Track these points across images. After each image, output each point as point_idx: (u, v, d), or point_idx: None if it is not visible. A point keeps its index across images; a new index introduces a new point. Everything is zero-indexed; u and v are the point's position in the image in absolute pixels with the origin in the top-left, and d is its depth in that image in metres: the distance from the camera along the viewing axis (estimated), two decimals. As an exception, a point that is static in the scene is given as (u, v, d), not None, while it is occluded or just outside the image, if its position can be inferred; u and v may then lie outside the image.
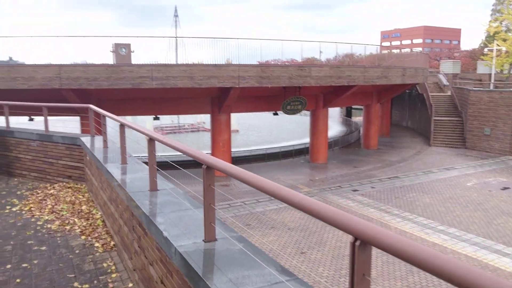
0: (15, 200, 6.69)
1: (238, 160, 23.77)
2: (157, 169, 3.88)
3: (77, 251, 4.77)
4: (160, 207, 3.37)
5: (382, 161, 23.74)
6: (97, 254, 4.70)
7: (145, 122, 34.49)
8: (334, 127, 35.99)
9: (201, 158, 2.69)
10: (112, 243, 4.90)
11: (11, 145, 8.07)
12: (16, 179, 8.03)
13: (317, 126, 24.04)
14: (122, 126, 4.80)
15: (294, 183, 19.52)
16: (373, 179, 19.45)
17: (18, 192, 7.13)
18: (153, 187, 3.85)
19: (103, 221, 5.49)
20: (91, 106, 6.93)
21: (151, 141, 3.72)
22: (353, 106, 39.02)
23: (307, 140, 25.93)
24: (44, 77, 17.54)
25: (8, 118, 8.41)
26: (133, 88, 18.06)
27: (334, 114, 39.89)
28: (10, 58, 27.56)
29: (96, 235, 5.17)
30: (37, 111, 8.34)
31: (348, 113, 41.06)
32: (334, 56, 28.43)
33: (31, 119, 20.75)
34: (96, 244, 4.91)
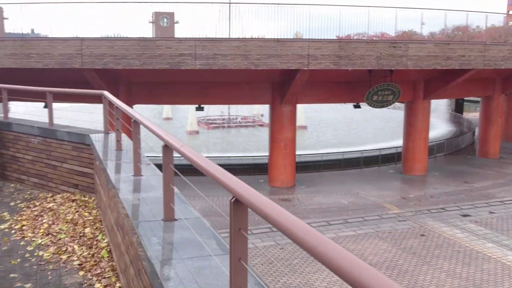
0: (5, 213, 6.64)
1: (304, 166, 23.20)
2: (179, 174, 3.47)
3: (70, 294, 4.50)
4: (173, 250, 2.94)
5: (506, 175, 22.11)
6: (97, 300, 4.40)
7: (187, 112, 34.85)
8: (438, 125, 34.25)
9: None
10: (118, 285, 4.57)
11: (8, 141, 8.12)
12: (12, 185, 8.06)
13: (414, 124, 22.84)
14: (136, 123, 4.44)
15: (379, 200, 18.64)
16: (491, 200, 18.07)
17: (12, 203, 7.11)
18: (169, 216, 3.43)
19: (109, 251, 5.20)
20: (105, 93, 6.72)
21: (167, 149, 3.29)
22: (465, 98, 36.86)
23: (399, 143, 24.78)
24: (62, 54, 17.99)
25: (7, 105, 8.49)
26: (171, 68, 18.05)
27: (438, 107, 38.02)
28: (32, 31, 28.90)
29: (99, 271, 4.88)
30: (42, 97, 8.34)
31: (459, 107, 38.85)
32: (440, 29, 26.97)
33: (46, 106, 21.58)
34: (97, 285, 4.61)
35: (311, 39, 19.30)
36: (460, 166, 24.82)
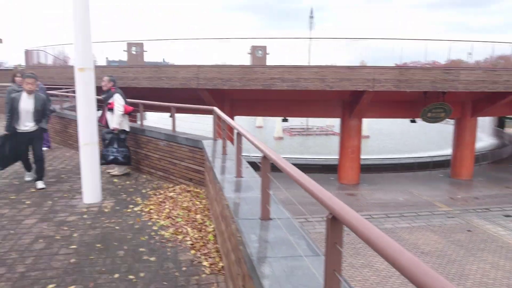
0: (138, 198, 6.70)
1: (367, 168, 22.16)
2: (273, 178, 3.16)
3: (183, 268, 4.33)
4: (269, 248, 2.62)
5: (544, 183, 19.77)
6: (203, 276, 4.19)
7: (275, 122, 34.77)
8: (483, 138, 31.54)
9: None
10: (221, 264, 4.35)
11: (142, 142, 8.27)
12: (144, 176, 8.20)
13: (463, 137, 21.07)
14: (239, 135, 4.21)
15: (430, 199, 17.31)
16: (532, 204, 16.18)
17: (143, 191, 7.18)
18: (265, 216, 3.13)
19: (214, 236, 5.00)
20: (215, 109, 6.60)
21: (265, 160, 2.99)
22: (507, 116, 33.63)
23: (448, 151, 22.99)
24: (184, 77, 18.49)
25: (143, 116, 8.66)
26: (264, 89, 17.95)
27: (481, 123, 34.98)
28: (163, 60, 30.25)
29: (206, 251, 4.69)
30: (168, 110, 8.42)
31: (500, 123, 35.53)
32: (485, 57, 24.71)
33: (171, 116, 22.32)
34: (204, 263, 4.42)
35: (376, 66, 18.36)
36: (503, 173, 22.57)
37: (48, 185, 7.46)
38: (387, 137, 35.44)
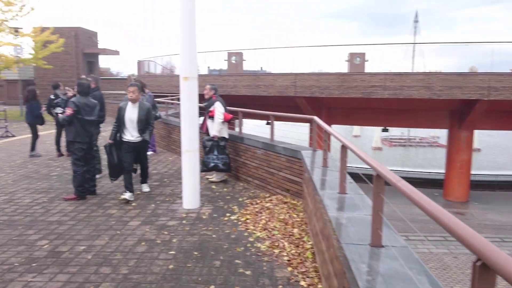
0: (235, 207, 6.66)
1: (478, 185, 20.04)
2: (367, 182, 2.78)
3: (280, 287, 4.10)
4: (383, 284, 2.25)
5: None
6: (301, 297, 3.91)
7: (373, 131, 33.28)
8: None
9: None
10: (320, 286, 4.03)
11: (240, 150, 8.29)
12: (241, 184, 8.19)
13: None
14: (344, 148, 3.87)
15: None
16: None
17: (240, 199, 7.14)
18: (376, 242, 2.75)
19: (313, 253, 4.69)
20: (315, 118, 6.31)
21: (379, 179, 2.63)
22: None
23: None
24: (281, 85, 18.50)
25: (241, 124, 8.70)
26: (363, 97, 17.21)
27: None
28: (261, 68, 30.89)
29: (304, 269, 4.41)
30: (265, 117, 8.33)
31: None
32: None
33: (268, 123, 22.52)
34: (302, 283, 4.13)
35: (492, 72, 16.52)
36: None
37: (151, 188, 7.81)
38: (502, 150, 31.81)
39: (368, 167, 2.90)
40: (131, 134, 6.78)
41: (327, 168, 5.43)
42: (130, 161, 6.94)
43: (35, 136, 11.16)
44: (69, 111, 6.74)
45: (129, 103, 6.74)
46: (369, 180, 4.71)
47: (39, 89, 13.44)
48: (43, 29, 25.10)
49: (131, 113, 6.71)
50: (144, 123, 6.78)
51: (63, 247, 5.03)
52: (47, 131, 15.08)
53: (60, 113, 10.33)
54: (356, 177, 4.75)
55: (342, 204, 3.81)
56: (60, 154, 11.08)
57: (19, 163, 10.30)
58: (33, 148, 11.15)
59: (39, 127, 11.29)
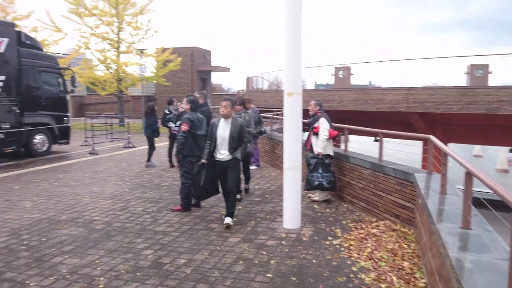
0: (338, 230, 6.23)
1: None
2: (490, 208, 2.21)
3: (386, 329, 3.60)
4: None
5: None
6: None
7: (497, 151, 29.75)
8: None
9: None
10: (435, 336, 3.44)
11: (345, 169, 7.83)
12: (345, 206, 7.71)
13: None
14: (469, 175, 3.27)
15: None
16: None
17: (344, 222, 6.69)
18: (514, 298, 2.18)
19: (426, 294, 4.09)
20: (431, 137, 5.63)
21: (522, 220, 2.08)
22: None
23: None
24: (391, 100, 17.49)
25: (347, 141, 8.24)
26: (487, 113, 15.39)
27: None
28: (370, 83, 29.79)
29: (415, 312, 3.84)
30: (373, 134, 7.77)
31: None
32: None
33: (376, 140, 21.42)
34: (413, 328, 3.59)
35: None
36: None
37: (253, 204, 7.75)
38: None
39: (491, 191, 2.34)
40: (220, 152, 6.24)
41: (446, 195, 4.75)
42: (230, 181, 6.30)
43: (151, 147, 12.02)
44: (185, 127, 6.97)
45: (222, 119, 6.30)
46: (493, 206, 3.95)
47: (158, 104, 14.52)
48: (164, 50, 27.47)
49: (223, 130, 6.21)
50: (236, 141, 6.18)
51: (166, 258, 5.14)
52: (162, 143, 16.21)
53: (174, 128, 10.96)
54: (476, 202, 4.03)
55: (465, 243, 3.20)
56: (172, 166, 11.74)
57: (136, 173, 11.13)
58: (149, 158, 12.02)
59: (155, 139, 12.13)
